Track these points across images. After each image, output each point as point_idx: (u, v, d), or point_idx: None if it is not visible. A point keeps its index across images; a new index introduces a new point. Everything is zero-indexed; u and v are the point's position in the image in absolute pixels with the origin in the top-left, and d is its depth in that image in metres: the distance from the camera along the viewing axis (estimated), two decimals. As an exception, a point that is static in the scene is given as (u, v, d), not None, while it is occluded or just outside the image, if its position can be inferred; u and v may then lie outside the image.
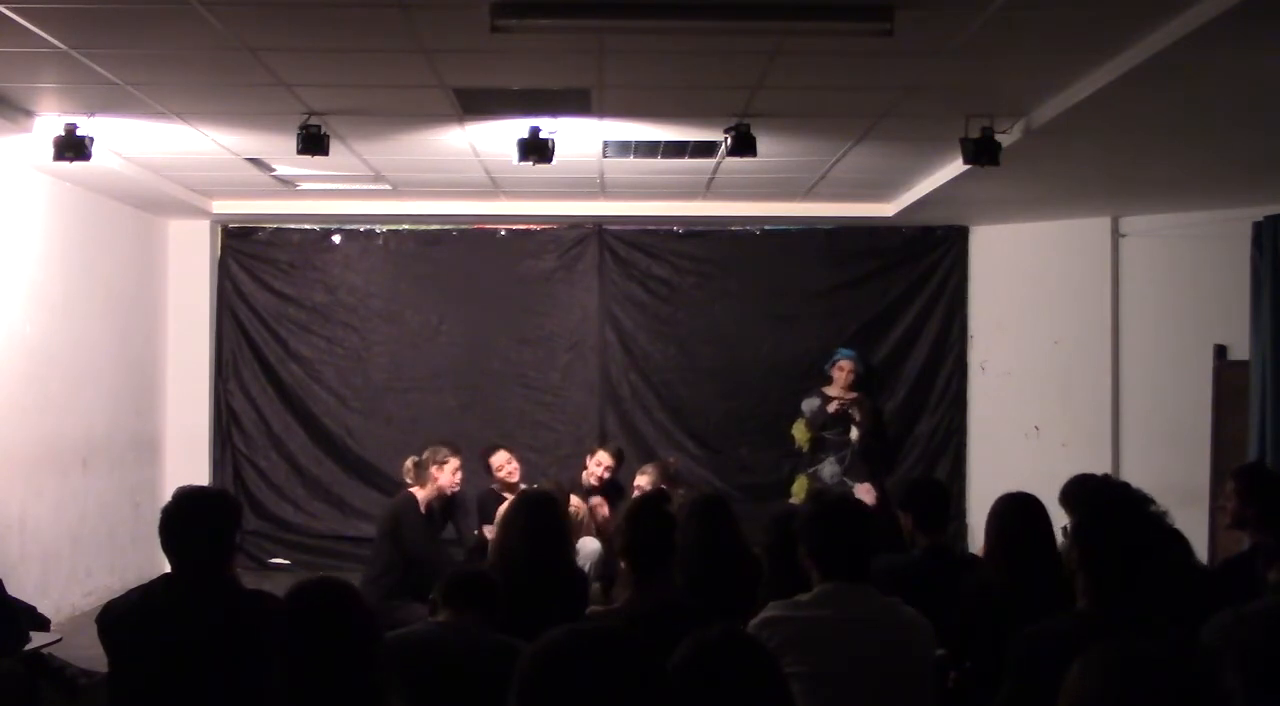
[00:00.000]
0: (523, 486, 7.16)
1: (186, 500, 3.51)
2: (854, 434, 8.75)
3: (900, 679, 3.21)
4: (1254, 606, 3.01)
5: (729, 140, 6.15)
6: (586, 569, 6.53)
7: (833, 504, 3.62)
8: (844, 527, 3.37)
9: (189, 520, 3.46)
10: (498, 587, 3.67)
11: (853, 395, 8.91)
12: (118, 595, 3.63)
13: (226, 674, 3.24)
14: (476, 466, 7.49)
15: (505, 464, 7.49)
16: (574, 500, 7.16)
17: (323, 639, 2.57)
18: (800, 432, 8.88)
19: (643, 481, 7.30)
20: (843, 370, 8.98)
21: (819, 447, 8.81)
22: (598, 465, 7.80)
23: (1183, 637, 3.00)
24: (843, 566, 3.31)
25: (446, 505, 7.04)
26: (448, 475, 6.78)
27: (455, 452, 6.88)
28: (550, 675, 1.79)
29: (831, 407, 8.81)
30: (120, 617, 3.45)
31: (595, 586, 5.99)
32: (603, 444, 8.51)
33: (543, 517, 4.58)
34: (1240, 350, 8.10)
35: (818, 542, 3.36)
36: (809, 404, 8.93)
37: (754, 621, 3.26)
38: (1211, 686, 1.87)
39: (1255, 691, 2.12)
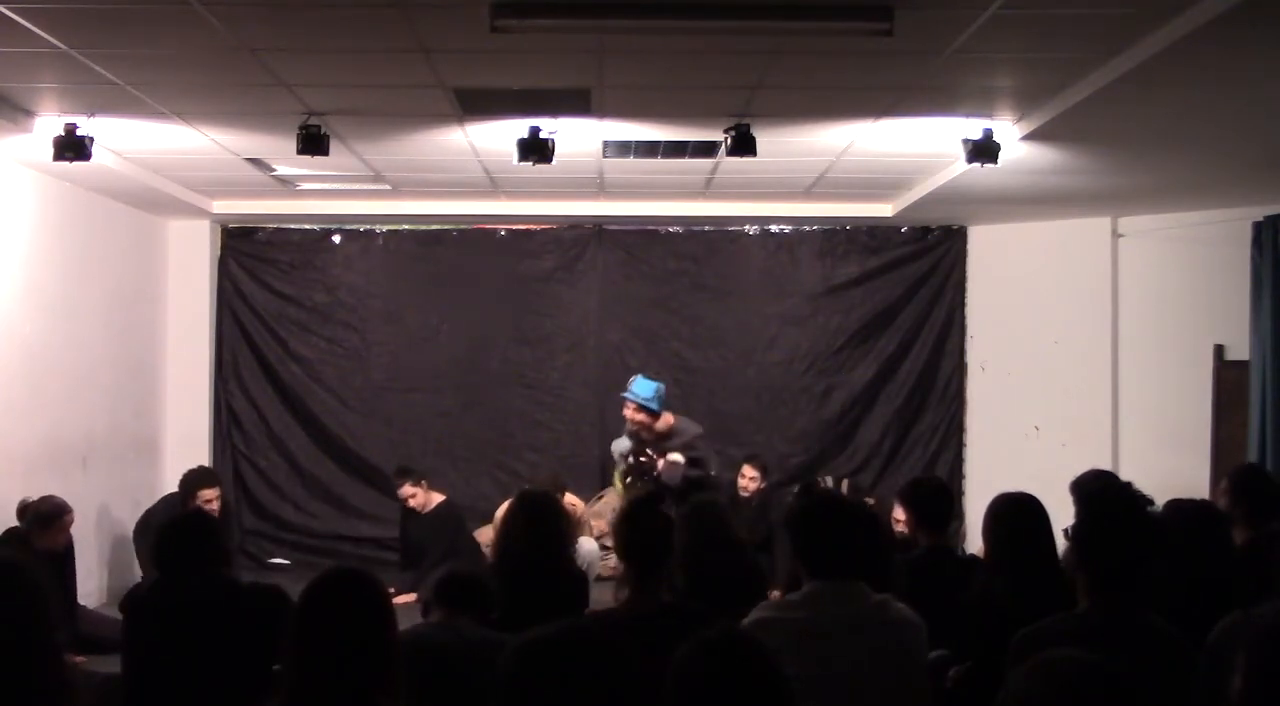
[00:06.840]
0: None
1: (169, 532, 4.17)
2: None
3: (890, 679, 3.13)
4: (1264, 608, 3.02)
5: (729, 140, 6.15)
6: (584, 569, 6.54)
7: (818, 500, 3.55)
8: (828, 524, 3.27)
9: (175, 549, 4.08)
10: (489, 588, 3.70)
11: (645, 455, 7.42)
12: (122, 592, 4.19)
13: (229, 656, 3.74)
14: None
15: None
16: (571, 499, 7.14)
17: (340, 630, 2.50)
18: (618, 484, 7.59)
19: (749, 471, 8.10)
20: (627, 410, 7.44)
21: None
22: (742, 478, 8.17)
23: (1169, 641, 3.01)
24: (829, 564, 3.22)
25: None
26: None
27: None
28: (530, 673, 1.88)
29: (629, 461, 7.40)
30: (140, 600, 4.02)
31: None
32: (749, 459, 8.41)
33: (542, 517, 4.58)
34: (1240, 350, 8.09)
35: (802, 540, 3.29)
36: (619, 446, 7.64)
37: (742, 623, 3.21)
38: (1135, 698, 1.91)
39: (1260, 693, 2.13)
